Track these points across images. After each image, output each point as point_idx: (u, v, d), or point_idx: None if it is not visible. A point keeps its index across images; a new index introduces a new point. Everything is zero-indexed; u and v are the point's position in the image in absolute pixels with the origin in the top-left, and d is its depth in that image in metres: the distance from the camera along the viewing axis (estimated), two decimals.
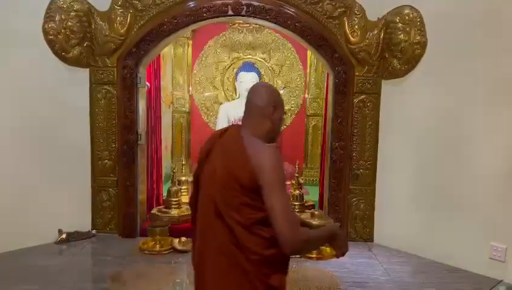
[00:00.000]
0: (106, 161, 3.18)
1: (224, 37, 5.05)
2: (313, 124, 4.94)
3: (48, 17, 2.94)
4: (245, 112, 1.53)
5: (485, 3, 2.69)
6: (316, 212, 3.19)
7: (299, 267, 2.70)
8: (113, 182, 3.20)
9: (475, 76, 2.75)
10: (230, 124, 4.72)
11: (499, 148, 2.68)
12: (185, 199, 3.76)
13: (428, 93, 2.95)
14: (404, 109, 3.05)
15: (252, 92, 1.54)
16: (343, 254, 1.52)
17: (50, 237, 3.04)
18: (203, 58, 5.07)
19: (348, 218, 3.17)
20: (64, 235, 3.06)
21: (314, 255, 2.85)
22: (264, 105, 1.48)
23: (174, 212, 3.39)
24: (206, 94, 5.13)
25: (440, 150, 2.91)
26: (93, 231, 3.19)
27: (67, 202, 3.12)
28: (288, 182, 4.10)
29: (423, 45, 2.93)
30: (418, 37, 2.92)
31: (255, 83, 4.75)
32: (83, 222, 3.19)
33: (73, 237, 3.08)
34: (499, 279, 2.61)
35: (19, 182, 2.93)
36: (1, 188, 2.86)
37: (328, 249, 2.84)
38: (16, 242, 2.90)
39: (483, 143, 2.74)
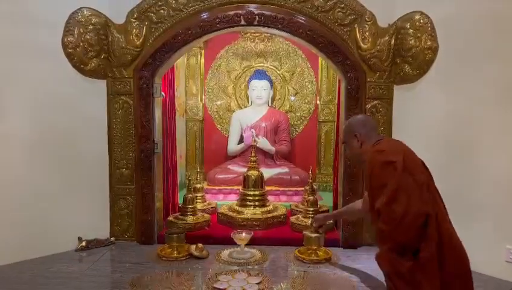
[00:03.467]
0: (124, 169, 3.25)
1: (236, 46, 5.13)
2: (325, 130, 4.97)
3: (67, 31, 3.04)
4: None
5: (495, 8, 2.71)
6: None
7: (314, 272, 2.73)
8: (130, 190, 3.27)
9: (487, 80, 2.77)
10: (243, 131, 4.80)
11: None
12: (200, 206, 3.83)
13: (440, 97, 2.97)
14: (417, 114, 3.07)
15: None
16: None
17: (70, 245, 3.12)
18: (216, 67, 5.16)
19: (363, 223, 3.19)
20: (83, 243, 3.13)
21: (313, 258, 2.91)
22: None
23: (190, 219, 3.45)
24: (219, 102, 5.21)
25: (453, 154, 2.92)
26: (112, 239, 3.26)
27: (86, 210, 3.19)
28: (302, 188, 4.16)
29: (434, 50, 2.95)
30: (429, 43, 2.95)
31: (266, 90, 4.87)
32: (102, 229, 3.26)
33: (93, 244, 3.16)
34: None
35: (39, 192, 3.01)
36: (22, 198, 2.94)
37: (320, 253, 2.93)
38: (37, 250, 2.98)
39: (497, 146, 2.74)
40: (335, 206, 3.54)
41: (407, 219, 1.79)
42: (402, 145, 2.06)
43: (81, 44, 3.07)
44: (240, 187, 3.82)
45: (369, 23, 3.07)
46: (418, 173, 1.92)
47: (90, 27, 3.08)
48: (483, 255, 2.75)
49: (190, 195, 3.57)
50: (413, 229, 1.80)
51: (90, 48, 3.10)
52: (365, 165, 2.08)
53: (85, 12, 3.07)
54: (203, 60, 5.09)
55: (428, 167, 2.99)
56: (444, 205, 2.02)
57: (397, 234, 1.82)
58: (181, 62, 4.78)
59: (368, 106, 3.14)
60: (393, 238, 1.85)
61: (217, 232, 3.41)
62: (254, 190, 3.69)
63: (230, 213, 3.58)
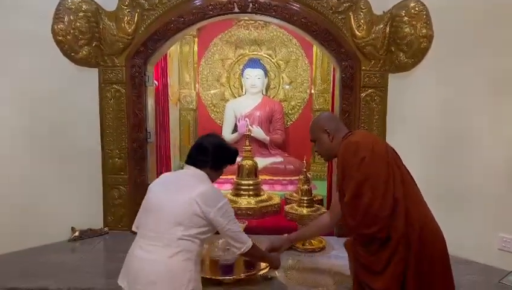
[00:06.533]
0: (116, 159, 3.22)
1: (230, 34, 5.08)
2: None
3: (57, 18, 2.97)
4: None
5: None
6: None
7: (308, 261, 2.73)
8: (124, 180, 3.24)
9: (481, 68, 2.75)
10: (237, 120, 4.77)
11: (506, 139, 2.69)
12: None
13: (435, 86, 2.95)
14: (411, 102, 3.05)
15: None
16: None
17: (63, 235, 3.10)
18: (209, 56, 5.11)
19: None
20: (77, 233, 3.11)
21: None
22: None
23: None
24: (213, 91, 5.17)
25: (447, 142, 2.92)
26: (106, 229, 3.24)
27: (79, 200, 3.17)
28: (296, 177, 4.16)
29: (429, 38, 2.93)
30: (424, 31, 2.92)
31: (260, 79, 4.83)
32: (95, 219, 3.24)
33: (86, 234, 3.14)
34: (509, 270, 2.63)
35: (32, 183, 2.97)
36: (15, 189, 2.91)
37: (314, 241, 2.96)
38: (31, 240, 2.95)
39: (491, 135, 2.75)
40: (329, 195, 3.54)
41: (372, 212, 1.81)
42: (372, 136, 2.18)
43: (71, 31, 3.01)
44: (234, 177, 3.80)
45: (364, 10, 3.03)
46: (388, 157, 1.93)
47: (81, 14, 3.02)
48: (476, 243, 2.78)
49: None
50: (378, 221, 1.81)
51: (81, 36, 3.04)
52: (337, 158, 2.06)
53: None
54: (196, 48, 5.03)
55: (422, 154, 3.02)
56: (418, 188, 2.01)
57: (362, 227, 1.84)
58: (174, 50, 4.73)
59: (363, 94, 3.12)
60: (359, 231, 1.87)
61: None
62: (248, 179, 3.68)
63: None
